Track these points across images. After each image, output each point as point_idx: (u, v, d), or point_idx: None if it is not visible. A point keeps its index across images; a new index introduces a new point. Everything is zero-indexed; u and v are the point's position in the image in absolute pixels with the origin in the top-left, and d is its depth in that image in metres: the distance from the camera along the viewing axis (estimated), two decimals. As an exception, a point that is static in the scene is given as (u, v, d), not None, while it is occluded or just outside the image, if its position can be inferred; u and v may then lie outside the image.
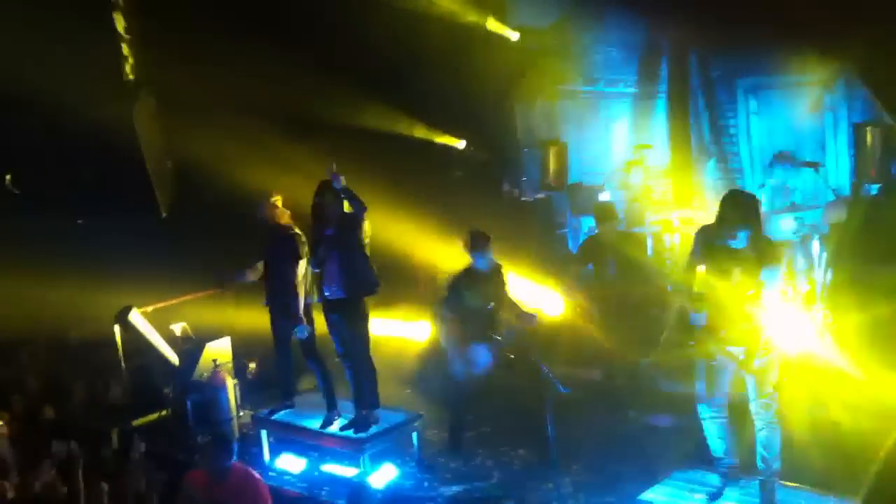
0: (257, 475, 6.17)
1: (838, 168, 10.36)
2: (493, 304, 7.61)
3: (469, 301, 7.55)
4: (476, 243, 7.55)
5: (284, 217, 7.93)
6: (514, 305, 7.73)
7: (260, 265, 8.00)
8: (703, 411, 6.04)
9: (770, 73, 10.88)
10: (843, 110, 10.45)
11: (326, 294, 7.55)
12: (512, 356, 7.40)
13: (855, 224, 8.88)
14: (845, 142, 10.29)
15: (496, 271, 7.73)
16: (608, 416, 8.21)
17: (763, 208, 9.03)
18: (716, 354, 5.78)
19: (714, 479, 6.19)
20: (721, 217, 5.63)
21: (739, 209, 5.57)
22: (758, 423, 5.83)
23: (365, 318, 7.61)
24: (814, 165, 9.57)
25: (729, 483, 6.08)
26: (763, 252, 5.58)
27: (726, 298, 5.65)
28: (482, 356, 7.50)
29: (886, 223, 8.49)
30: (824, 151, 10.48)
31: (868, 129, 9.48)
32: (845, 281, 8.44)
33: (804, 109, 10.68)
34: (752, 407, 5.84)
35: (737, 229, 5.52)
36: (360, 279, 7.48)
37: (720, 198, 5.76)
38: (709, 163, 11.07)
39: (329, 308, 7.63)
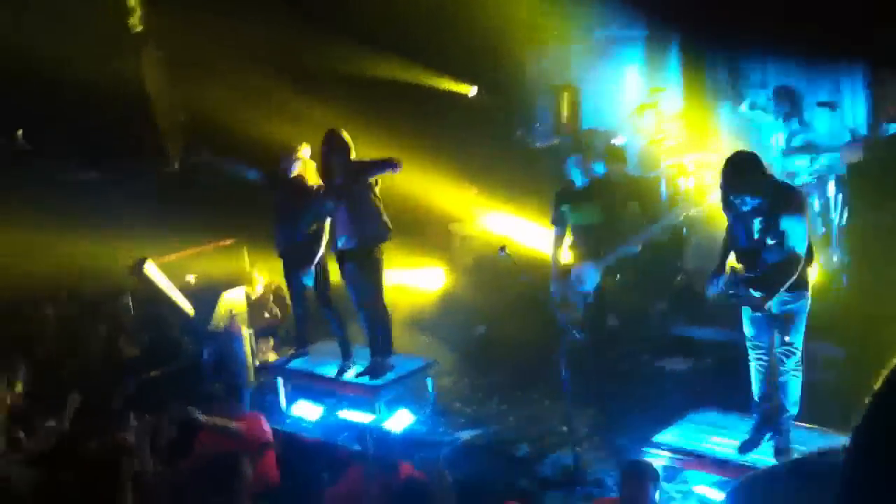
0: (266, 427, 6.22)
1: (855, 108, 10.20)
2: (598, 221, 7.55)
3: (570, 219, 7.52)
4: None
5: (311, 169, 7.90)
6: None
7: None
8: (752, 353, 6.01)
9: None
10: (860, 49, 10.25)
11: (339, 244, 7.56)
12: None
13: (872, 165, 8.75)
14: (861, 81, 10.11)
15: (605, 187, 7.67)
16: (622, 360, 8.22)
17: (775, 155, 8.99)
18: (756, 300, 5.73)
19: (732, 419, 6.19)
20: (724, 185, 5.56)
21: (739, 175, 5.49)
22: (779, 369, 5.81)
23: (378, 267, 7.61)
24: (830, 105, 9.41)
25: (761, 427, 6.03)
26: (784, 204, 5.49)
27: (750, 246, 5.62)
28: (586, 277, 7.44)
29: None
30: (839, 90, 10.31)
31: (886, 69, 9.32)
32: (862, 222, 8.35)
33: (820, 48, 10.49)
34: (776, 353, 5.82)
35: (742, 196, 5.46)
36: (371, 228, 7.46)
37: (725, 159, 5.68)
38: (724, 105, 10.91)
39: (342, 258, 7.63)
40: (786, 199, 5.52)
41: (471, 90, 11.38)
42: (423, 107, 10.69)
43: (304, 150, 7.88)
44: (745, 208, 5.50)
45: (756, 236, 5.57)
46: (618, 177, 8.48)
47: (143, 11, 10.57)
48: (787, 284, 5.54)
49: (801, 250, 5.50)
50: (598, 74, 11.94)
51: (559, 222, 7.74)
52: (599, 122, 11.58)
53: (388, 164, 7.38)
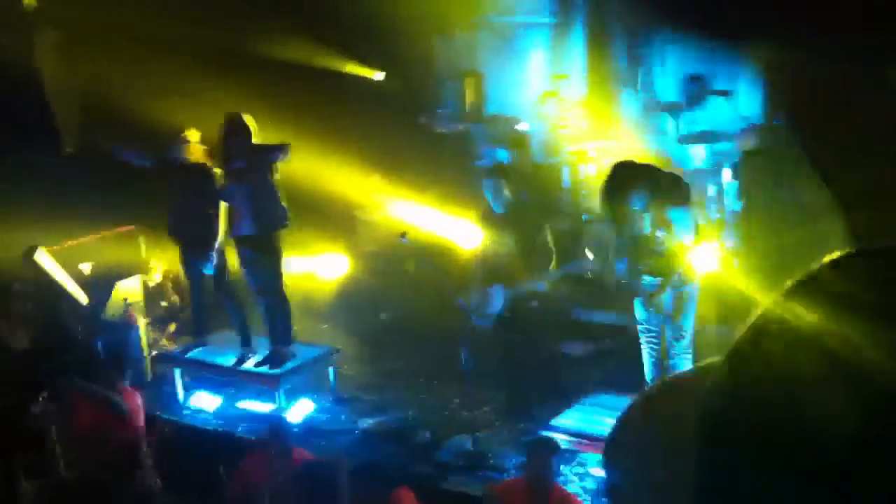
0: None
1: (750, 96, 10.45)
2: (512, 250, 7.25)
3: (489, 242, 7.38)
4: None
5: (199, 153, 7.73)
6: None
7: None
8: (641, 337, 6.15)
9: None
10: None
11: (238, 230, 7.42)
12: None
13: (766, 151, 8.99)
14: (757, 69, 10.36)
15: (521, 215, 7.34)
16: (522, 344, 8.28)
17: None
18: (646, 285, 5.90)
19: (627, 402, 6.29)
20: (608, 189, 5.69)
21: (624, 184, 5.63)
22: (670, 352, 5.95)
23: (278, 254, 7.51)
24: (724, 93, 9.64)
25: None
26: (671, 196, 5.66)
27: (643, 238, 5.75)
28: (496, 300, 7.30)
29: (796, 152, 8.60)
30: (737, 78, 10.55)
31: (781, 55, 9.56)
32: (755, 208, 8.58)
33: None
34: (666, 336, 5.98)
35: (628, 199, 5.59)
36: (270, 214, 7.35)
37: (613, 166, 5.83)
38: (626, 93, 11.06)
39: (241, 244, 7.50)
40: (672, 191, 5.68)
41: (376, 74, 11.29)
42: (328, 90, 10.55)
43: (192, 135, 7.70)
44: (637, 206, 5.63)
45: (647, 230, 5.71)
46: (520, 163, 8.51)
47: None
48: (677, 272, 5.70)
49: (689, 239, 5.68)
50: (503, 61, 11.97)
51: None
52: (504, 108, 11.62)
53: (285, 149, 7.28)
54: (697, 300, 6.10)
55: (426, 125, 10.13)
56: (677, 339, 5.88)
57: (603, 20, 11.41)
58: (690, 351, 5.96)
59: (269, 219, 7.34)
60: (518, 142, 8.63)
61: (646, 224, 5.68)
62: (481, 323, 7.06)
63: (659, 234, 5.67)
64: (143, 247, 9.36)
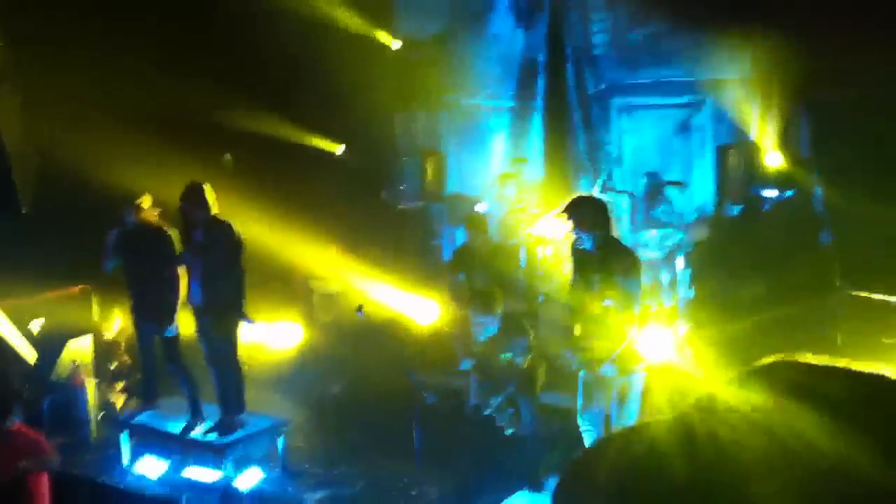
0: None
1: (703, 188, 10.77)
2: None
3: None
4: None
5: (153, 217, 7.74)
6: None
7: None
8: (581, 422, 6.18)
9: (642, 94, 11.25)
10: (710, 132, 10.87)
11: (192, 298, 7.39)
12: None
13: (716, 242, 9.24)
14: (710, 162, 10.70)
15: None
16: (476, 424, 8.29)
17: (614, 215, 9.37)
18: (589, 367, 5.95)
19: None
20: (568, 217, 5.82)
21: (578, 210, 5.75)
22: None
23: (234, 323, 7.47)
24: (678, 184, 9.92)
25: None
26: (617, 259, 5.77)
27: (591, 308, 5.83)
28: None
29: (745, 242, 8.86)
30: (691, 171, 10.88)
31: (731, 151, 9.91)
32: (706, 297, 8.76)
33: (673, 130, 11.09)
34: (611, 424, 6.03)
35: (578, 231, 5.71)
36: (223, 301, 7.26)
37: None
38: (583, 178, 11.33)
39: (196, 311, 7.47)
40: (624, 260, 5.79)
41: (338, 149, 11.45)
42: (292, 164, 10.67)
43: (146, 200, 7.72)
44: (582, 245, 5.73)
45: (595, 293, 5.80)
46: (478, 244, 8.65)
47: (1, 55, 10.19)
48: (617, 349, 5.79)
49: (633, 316, 5.76)
50: (464, 141, 12.22)
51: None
52: (464, 187, 11.83)
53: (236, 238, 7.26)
54: (648, 389, 6.15)
55: (388, 200, 10.24)
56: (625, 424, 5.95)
57: (562, 106, 11.72)
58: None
59: (220, 297, 7.30)
60: (476, 222, 8.77)
61: (595, 283, 5.77)
62: (431, 400, 7.12)
63: (606, 302, 5.75)
64: (95, 306, 9.27)
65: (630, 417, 5.94)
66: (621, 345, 5.78)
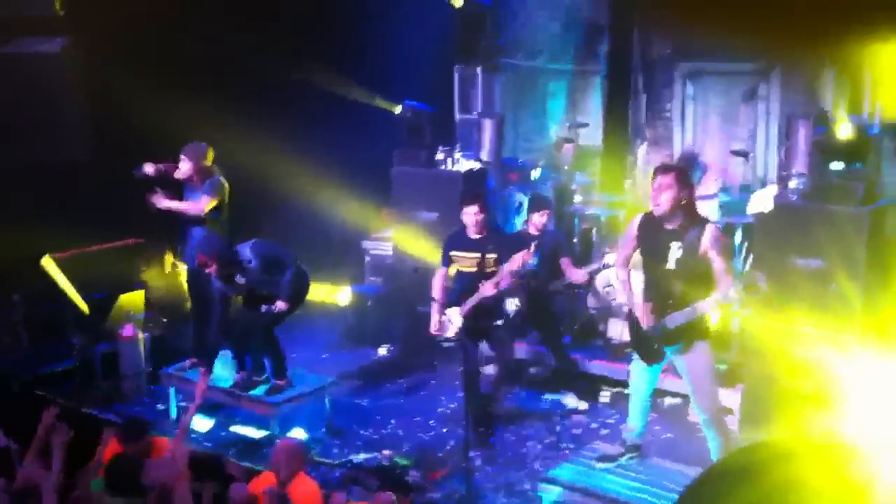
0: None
1: (767, 159, 10.46)
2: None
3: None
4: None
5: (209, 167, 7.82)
6: None
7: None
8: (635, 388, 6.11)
9: (708, 59, 10.93)
10: (776, 102, 10.54)
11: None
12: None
13: (779, 215, 8.95)
14: (776, 133, 10.38)
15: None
16: (523, 393, 8.25)
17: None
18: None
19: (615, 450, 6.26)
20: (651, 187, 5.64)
21: (664, 175, 5.57)
22: (707, 435, 5.89)
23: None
24: (743, 154, 9.63)
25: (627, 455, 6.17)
26: (699, 228, 5.57)
27: (665, 283, 5.67)
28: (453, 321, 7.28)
29: (807, 219, 8.56)
30: (755, 141, 10.57)
31: (800, 122, 9.56)
32: (766, 270, 8.50)
33: (739, 98, 10.77)
34: (699, 418, 5.93)
35: (660, 194, 5.53)
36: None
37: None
38: (642, 145, 11.07)
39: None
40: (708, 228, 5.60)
41: (397, 109, 11.30)
42: (347, 123, 10.55)
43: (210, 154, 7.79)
44: (660, 212, 5.55)
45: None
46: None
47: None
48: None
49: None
50: (523, 103, 12.03)
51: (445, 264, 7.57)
52: (521, 150, 11.66)
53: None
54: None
55: (445, 161, 10.07)
56: (707, 425, 5.85)
57: (625, 71, 11.44)
58: (722, 434, 5.88)
59: None
60: (539, 202, 8.54)
61: (672, 255, 5.60)
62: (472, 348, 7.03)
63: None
64: (149, 259, 9.35)
65: (712, 423, 5.83)
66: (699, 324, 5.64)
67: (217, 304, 7.71)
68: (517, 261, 6.78)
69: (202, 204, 7.68)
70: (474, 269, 7.08)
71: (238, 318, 7.60)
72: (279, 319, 7.43)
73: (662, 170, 5.67)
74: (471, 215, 7.13)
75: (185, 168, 7.84)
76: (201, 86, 8.97)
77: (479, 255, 7.06)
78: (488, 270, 7.04)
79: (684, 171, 5.78)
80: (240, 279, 7.32)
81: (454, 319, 7.14)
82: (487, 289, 6.98)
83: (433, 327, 7.21)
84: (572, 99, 12.00)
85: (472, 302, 7.05)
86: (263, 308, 7.39)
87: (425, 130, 10.06)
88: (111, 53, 9.19)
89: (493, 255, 7.02)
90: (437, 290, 7.27)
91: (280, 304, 7.30)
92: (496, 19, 11.24)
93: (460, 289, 7.21)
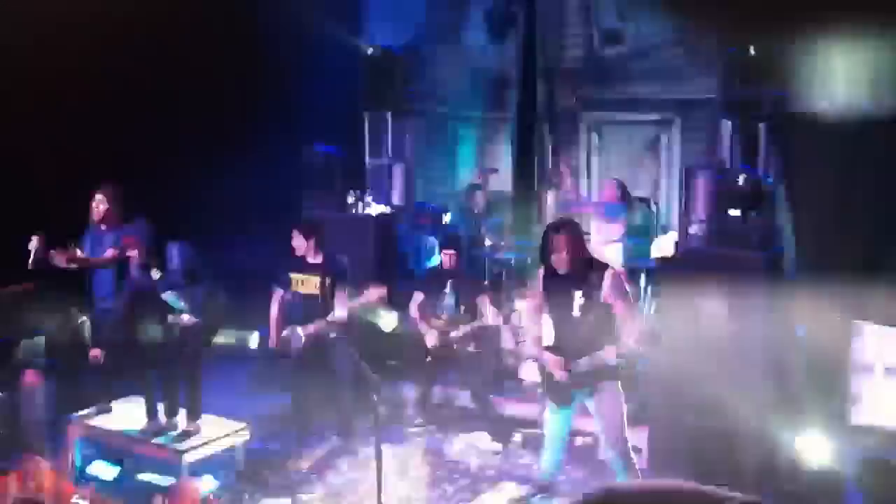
0: None
1: (668, 205, 10.84)
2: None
3: None
4: None
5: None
6: None
7: None
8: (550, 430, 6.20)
9: (612, 110, 11.31)
10: (677, 150, 10.96)
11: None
12: None
13: (679, 259, 9.25)
14: (677, 181, 10.77)
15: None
16: (436, 435, 8.27)
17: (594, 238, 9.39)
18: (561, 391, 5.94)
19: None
20: (544, 248, 5.80)
21: (561, 237, 5.74)
22: (617, 473, 6.01)
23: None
24: (646, 201, 9.96)
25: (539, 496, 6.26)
26: (600, 273, 5.75)
27: (571, 330, 5.82)
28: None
29: (708, 263, 8.88)
30: (657, 189, 10.95)
31: (698, 171, 9.94)
32: (666, 313, 8.76)
33: (642, 146, 11.16)
34: (607, 453, 6.04)
35: (560, 253, 5.69)
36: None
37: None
38: (549, 192, 11.35)
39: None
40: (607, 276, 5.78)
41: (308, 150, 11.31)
42: (251, 166, 10.51)
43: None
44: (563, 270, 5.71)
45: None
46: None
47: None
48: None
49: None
50: (433, 149, 12.21)
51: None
52: (431, 196, 11.82)
53: None
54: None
55: (354, 206, 10.13)
56: (620, 456, 5.98)
57: (532, 119, 11.74)
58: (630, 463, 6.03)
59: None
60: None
61: (576, 301, 5.75)
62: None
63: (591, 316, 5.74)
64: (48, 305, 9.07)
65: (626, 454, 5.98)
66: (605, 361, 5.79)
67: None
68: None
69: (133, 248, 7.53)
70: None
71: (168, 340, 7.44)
72: (200, 341, 7.38)
73: (554, 229, 5.87)
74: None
75: (102, 209, 7.68)
76: (105, 127, 8.83)
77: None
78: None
79: (575, 226, 5.99)
80: (155, 274, 7.23)
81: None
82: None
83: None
84: (482, 144, 12.28)
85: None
86: (170, 318, 7.29)
87: (335, 174, 10.10)
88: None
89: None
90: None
91: (185, 317, 7.23)
92: (406, 67, 11.43)
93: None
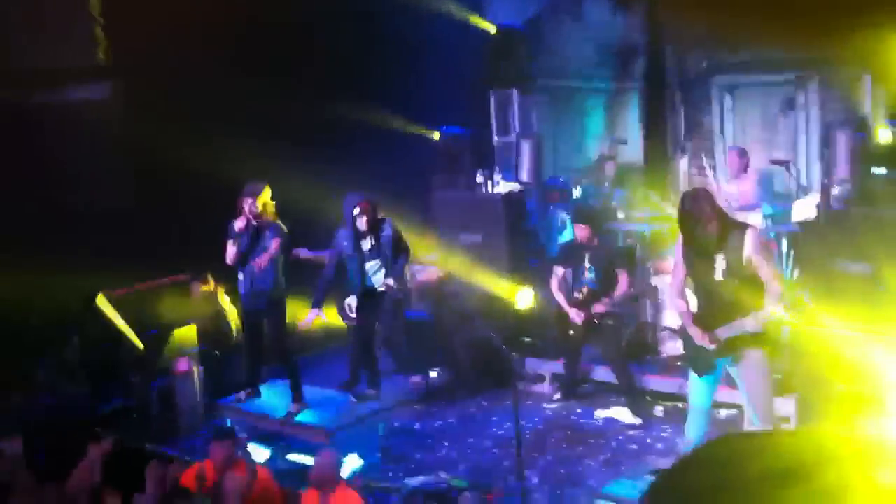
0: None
1: (808, 167, 10.43)
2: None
3: None
4: None
5: (270, 210, 7.93)
6: None
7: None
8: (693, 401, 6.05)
9: (746, 72, 10.95)
10: (816, 110, 10.52)
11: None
12: None
13: (823, 222, 8.91)
14: (816, 141, 10.35)
15: None
16: (576, 410, 8.26)
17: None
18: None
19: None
20: (682, 216, 5.62)
21: (698, 203, 5.57)
22: None
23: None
24: (784, 163, 9.61)
25: None
26: (740, 233, 5.57)
27: (715, 296, 5.67)
28: None
29: (852, 224, 8.51)
30: (796, 150, 10.55)
31: (839, 129, 9.53)
32: (810, 278, 8.46)
33: (777, 108, 10.76)
34: (753, 423, 5.88)
35: (704, 222, 5.52)
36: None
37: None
38: (682, 159, 11.10)
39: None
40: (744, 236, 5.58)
41: (434, 134, 11.43)
42: (385, 152, 10.69)
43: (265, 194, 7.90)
44: (708, 237, 5.55)
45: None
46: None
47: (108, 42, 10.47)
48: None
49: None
50: (561, 123, 12.11)
51: None
52: (560, 170, 11.72)
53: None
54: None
55: (484, 185, 10.17)
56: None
57: (661, 87, 11.49)
58: None
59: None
60: (586, 216, 8.58)
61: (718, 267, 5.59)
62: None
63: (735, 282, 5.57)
64: (199, 294, 9.48)
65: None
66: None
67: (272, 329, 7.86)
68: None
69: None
70: None
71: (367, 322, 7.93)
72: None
73: (689, 197, 5.67)
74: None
75: (255, 210, 7.88)
76: (239, 127, 9.14)
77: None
78: None
79: (710, 193, 5.79)
80: (371, 241, 7.79)
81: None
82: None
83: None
84: (610, 116, 12.08)
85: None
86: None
87: (463, 155, 10.15)
88: (153, 100, 9.39)
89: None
90: None
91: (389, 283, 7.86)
92: (530, 42, 11.36)
93: None
